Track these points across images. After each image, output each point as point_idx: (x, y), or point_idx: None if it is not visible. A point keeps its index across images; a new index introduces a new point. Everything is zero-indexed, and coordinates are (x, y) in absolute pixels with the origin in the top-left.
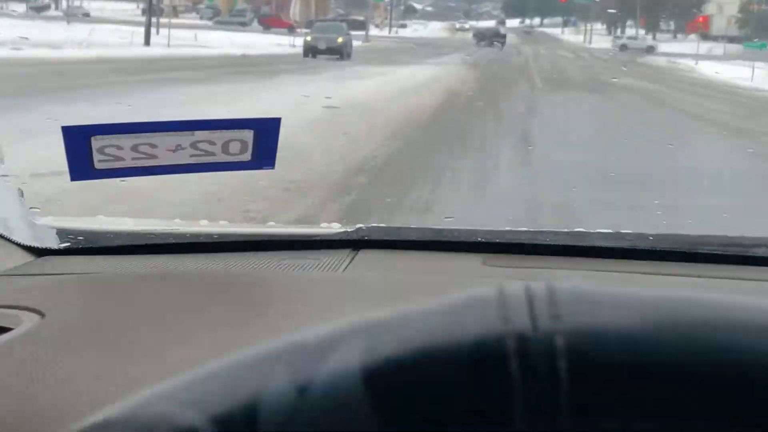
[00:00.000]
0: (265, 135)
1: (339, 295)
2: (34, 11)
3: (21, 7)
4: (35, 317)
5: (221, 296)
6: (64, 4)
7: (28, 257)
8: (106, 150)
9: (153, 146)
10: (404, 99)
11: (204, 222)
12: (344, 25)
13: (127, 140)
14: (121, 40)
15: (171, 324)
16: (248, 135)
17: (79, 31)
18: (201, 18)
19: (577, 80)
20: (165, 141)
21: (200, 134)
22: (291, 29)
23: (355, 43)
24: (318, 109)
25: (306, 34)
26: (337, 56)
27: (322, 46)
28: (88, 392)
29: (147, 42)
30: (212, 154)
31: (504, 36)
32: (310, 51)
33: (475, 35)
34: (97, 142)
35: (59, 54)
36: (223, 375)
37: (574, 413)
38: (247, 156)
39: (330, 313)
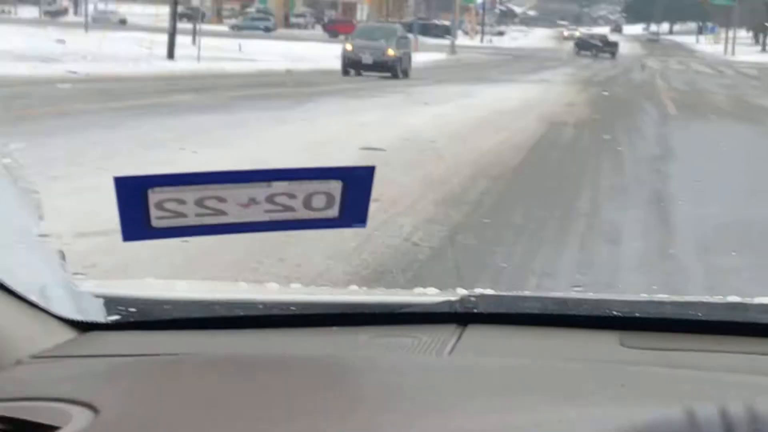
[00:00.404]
0: (355, 187)
1: (447, 387)
2: (48, 16)
3: (33, 12)
4: (88, 413)
5: (306, 385)
6: (90, 7)
7: (71, 333)
8: (166, 205)
9: (221, 200)
10: (482, 136)
11: (273, 286)
12: (399, 29)
13: (191, 193)
14: (142, 52)
15: (243, 423)
16: (336, 187)
17: (96, 40)
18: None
19: (722, 105)
20: (236, 194)
21: (278, 186)
22: None
23: (438, 56)
24: (351, 153)
25: (346, 41)
26: (388, 73)
27: (366, 58)
28: None
29: (170, 55)
30: (292, 209)
31: (614, 45)
32: (351, 65)
33: (576, 44)
34: (155, 196)
35: (43, 71)
36: None
37: None
38: (333, 212)
39: (438, 410)
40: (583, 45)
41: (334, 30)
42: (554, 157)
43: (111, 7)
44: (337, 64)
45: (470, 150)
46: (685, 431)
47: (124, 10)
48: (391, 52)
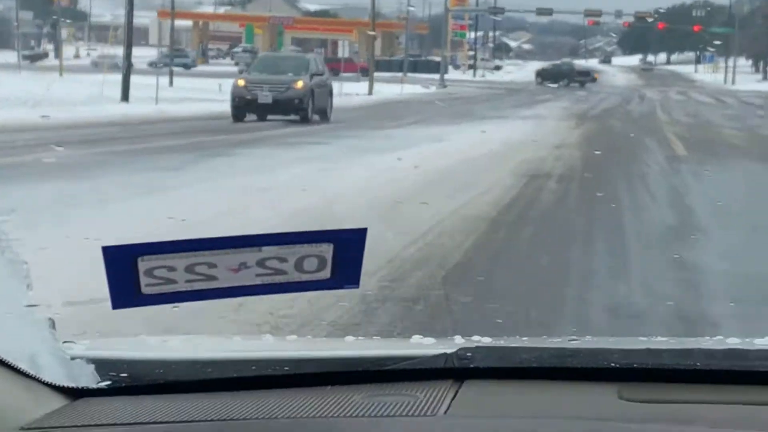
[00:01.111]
0: (347, 249)
1: None
2: (28, 60)
3: (12, 57)
4: None
5: None
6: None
7: (63, 400)
8: (156, 272)
9: (212, 266)
10: (431, 202)
11: (269, 338)
12: (313, 59)
13: (180, 260)
14: (96, 95)
15: None
16: (327, 249)
17: (63, 84)
18: (236, 64)
19: (735, 141)
20: (226, 260)
21: (269, 250)
22: (364, 71)
23: (427, 90)
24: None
25: (241, 75)
26: (295, 115)
27: (264, 96)
28: None
29: (125, 97)
30: (283, 272)
31: (586, 74)
32: (244, 106)
33: (538, 74)
34: (144, 264)
35: None
36: None
37: None
38: (325, 273)
39: None
40: (546, 75)
41: (332, 68)
42: (522, 238)
43: (112, 51)
44: None
45: (399, 232)
46: None
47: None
48: (300, 84)
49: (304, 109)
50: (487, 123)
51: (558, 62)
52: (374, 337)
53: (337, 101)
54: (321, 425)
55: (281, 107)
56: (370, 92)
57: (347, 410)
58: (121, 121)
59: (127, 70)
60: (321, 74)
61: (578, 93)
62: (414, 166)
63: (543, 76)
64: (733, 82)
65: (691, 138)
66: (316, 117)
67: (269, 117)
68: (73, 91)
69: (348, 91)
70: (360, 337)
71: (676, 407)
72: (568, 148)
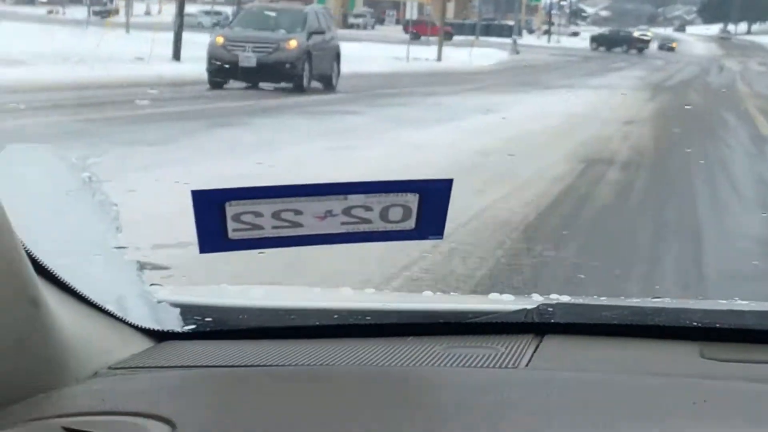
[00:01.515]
0: (432, 199)
1: (524, 403)
2: (98, 16)
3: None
4: (164, 428)
5: (381, 401)
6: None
7: (148, 342)
8: (243, 218)
9: (298, 213)
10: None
11: (349, 291)
12: (314, 12)
13: (267, 206)
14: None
15: None
16: (413, 199)
17: (123, 41)
18: None
19: None
20: (312, 207)
21: (355, 199)
22: (448, 35)
23: (499, 55)
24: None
25: (221, 31)
26: (287, 83)
27: (246, 58)
28: None
29: (176, 56)
30: (368, 221)
31: (645, 42)
32: (220, 71)
33: (593, 39)
34: (232, 209)
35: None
36: None
37: None
38: (410, 224)
39: (517, 429)
40: (602, 41)
41: (416, 32)
42: (562, 258)
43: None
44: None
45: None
46: None
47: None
48: (292, 44)
49: (297, 76)
50: (552, 93)
51: (615, 29)
52: (452, 293)
53: (401, 66)
54: (402, 373)
55: (268, 72)
56: (438, 58)
57: (428, 360)
58: (161, 81)
59: (179, 27)
60: (322, 32)
61: (655, 62)
62: (448, 145)
63: (598, 41)
64: None
65: None
66: (316, 85)
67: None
68: (126, 48)
69: (417, 56)
70: (438, 293)
71: (759, 367)
72: (639, 125)
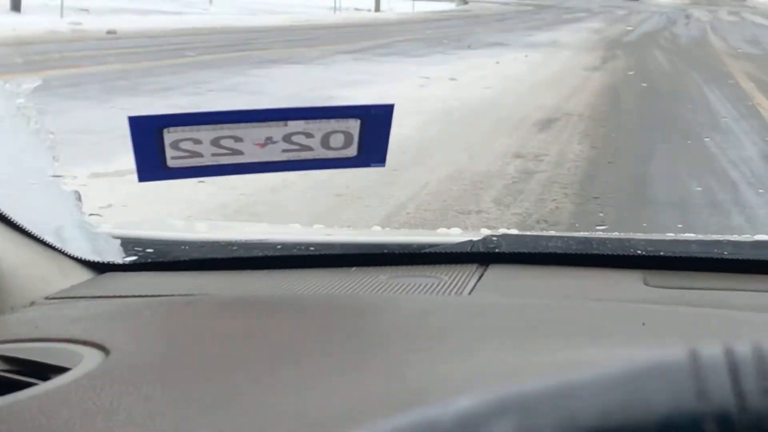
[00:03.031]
0: (374, 125)
1: (465, 327)
2: None
3: None
4: (98, 354)
5: (322, 326)
6: None
7: (88, 274)
8: (182, 145)
9: (238, 140)
10: None
11: (297, 227)
12: None
13: (206, 133)
14: None
15: (261, 364)
16: (354, 125)
17: None
18: None
19: None
20: (252, 134)
21: (295, 125)
22: None
23: (444, 6)
24: None
25: None
26: None
27: None
28: None
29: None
30: (309, 148)
31: None
32: None
33: None
34: (170, 136)
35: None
36: None
37: None
38: (352, 150)
39: (458, 352)
40: None
41: None
42: None
43: None
44: None
45: None
46: (686, 370)
47: None
48: None
49: None
50: (470, 57)
51: None
52: (401, 228)
53: (327, 17)
54: (345, 301)
55: None
56: (377, 8)
57: (371, 288)
58: None
59: None
60: None
61: (617, 12)
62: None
63: None
64: None
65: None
66: None
67: None
68: None
69: (355, 5)
70: (387, 228)
71: (702, 293)
72: (575, 115)
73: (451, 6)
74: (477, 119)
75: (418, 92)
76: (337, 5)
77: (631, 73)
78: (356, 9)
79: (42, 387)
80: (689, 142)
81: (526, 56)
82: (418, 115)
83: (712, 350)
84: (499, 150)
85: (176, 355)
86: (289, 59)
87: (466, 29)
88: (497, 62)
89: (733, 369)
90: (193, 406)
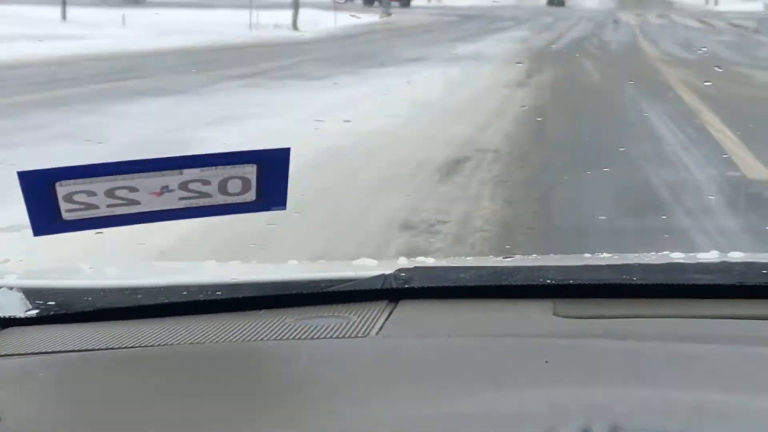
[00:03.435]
0: (271, 169)
1: (372, 371)
2: None
3: None
4: None
5: (222, 379)
6: None
7: None
8: (75, 197)
9: (133, 189)
10: None
11: (210, 263)
12: None
13: (100, 184)
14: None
15: (156, 423)
16: (250, 170)
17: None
18: None
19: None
20: (147, 183)
21: (190, 173)
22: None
23: (368, 20)
24: None
25: None
26: None
27: None
28: None
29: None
30: (207, 195)
31: None
32: None
33: None
34: (63, 189)
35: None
36: None
37: None
38: (251, 195)
39: (358, 401)
40: None
41: None
42: None
43: None
44: None
45: None
46: None
47: None
48: None
49: None
50: (382, 75)
51: None
52: (319, 261)
53: (241, 36)
54: (246, 349)
55: None
56: (294, 25)
57: (278, 333)
58: None
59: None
60: None
61: (544, 19)
62: None
63: None
64: (716, 2)
65: (708, 92)
66: None
67: None
68: None
69: (273, 22)
70: (305, 261)
71: (611, 322)
72: (490, 151)
73: (374, 19)
74: (365, 166)
75: (301, 128)
76: (256, 22)
77: (559, 89)
78: (276, 26)
79: None
80: (634, 190)
81: (443, 73)
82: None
83: (569, 431)
84: (383, 217)
85: (70, 419)
86: (165, 89)
87: (384, 44)
88: (408, 82)
89: None
90: None
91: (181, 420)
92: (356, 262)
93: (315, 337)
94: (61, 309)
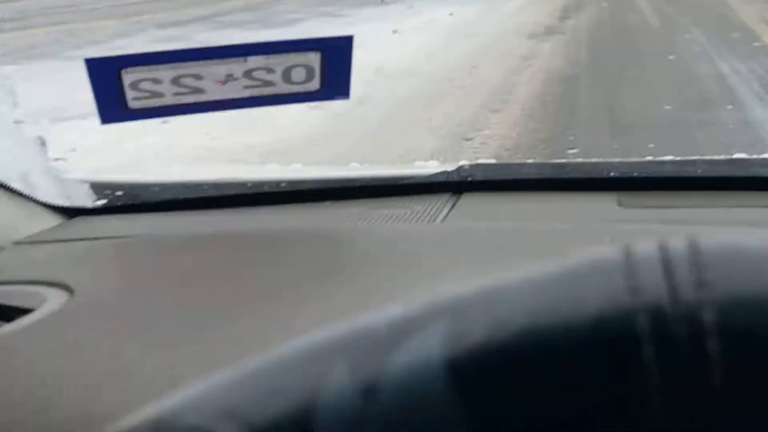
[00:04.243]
0: (335, 57)
1: (437, 252)
2: None
3: None
4: (62, 294)
5: (291, 259)
6: None
7: (57, 219)
8: (141, 85)
9: (198, 78)
10: None
11: (273, 167)
12: None
13: (165, 72)
14: None
15: (228, 298)
16: (314, 58)
17: None
18: None
19: None
20: (212, 71)
21: (255, 60)
22: None
23: None
24: None
25: None
26: None
27: None
28: (123, 387)
29: None
30: (272, 84)
31: None
32: None
33: None
34: (129, 76)
35: None
36: (269, 374)
37: (729, 414)
38: (315, 84)
39: (426, 277)
40: None
41: None
42: None
43: None
44: None
45: None
46: (619, 267)
47: None
48: None
49: None
50: (368, 19)
51: None
52: (378, 164)
53: None
54: (314, 233)
55: None
56: None
57: (342, 221)
58: None
59: None
60: None
61: None
62: None
63: None
64: None
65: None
66: None
67: None
68: None
69: None
70: (365, 164)
71: (676, 211)
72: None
73: None
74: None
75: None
76: None
77: (602, 42)
78: None
79: (5, 328)
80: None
81: (450, 15)
82: None
83: (646, 246)
84: None
85: (141, 293)
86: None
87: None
88: (395, 31)
89: (666, 263)
90: (157, 341)
91: (247, 297)
92: (419, 162)
93: (380, 223)
94: (129, 200)
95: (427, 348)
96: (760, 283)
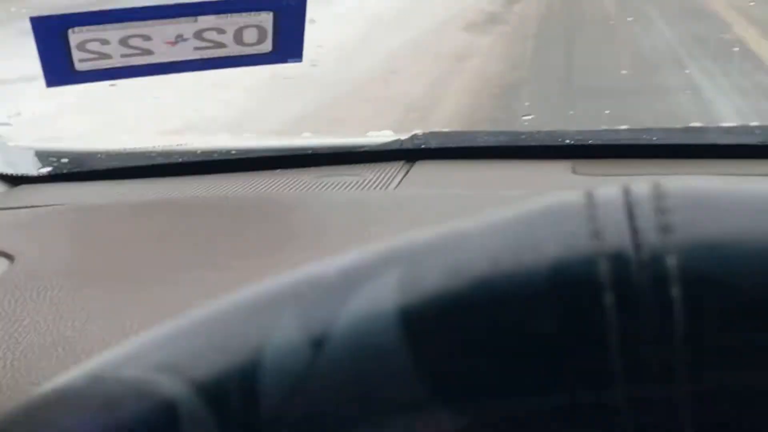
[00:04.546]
0: (288, 18)
1: (389, 219)
2: None
3: None
4: (3, 262)
5: (240, 225)
6: None
7: (1, 187)
8: (89, 46)
9: (147, 38)
10: None
11: (225, 136)
12: None
13: (114, 32)
14: None
15: (174, 265)
16: (266, 18)
17: None
18: None
19: None
20: (162, 31)
21: (205, 20)
22: None
23: None
24: None
25: None
26: None
27: None
28: (62, 355)
29: None
30: (222, 45)
31: None
32: None
33: None
34: (76, 36)
35: None
36: (213, 326)
37: (690, 361)
38: (267, 46)
39: (375, 242)
40: None
41: None
42: None
43: None
44: None
45: None
46: (580, 211)
47: None
48: None
49: None
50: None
51: None
52: (331, 133)
53: None
54: (263, 200)
55: None
56: None
57: (292, 188)
58: None
59: None
60: None
61: None
62: None
63: None
64: None
65: None
66: None
67: None
68: None
69: None
70: (318, 133)
71: (631, 179)
72: None
73: None
74: None
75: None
76: None
77: (551, 32)
78: None
79: None
80: None
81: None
82: None
83: (608, 191)
84: None
85: (84, 260)
86: None
87: None
88: (312, 20)
89: (629, 207)
90: (100, 307)
91: (194, 262)
92: (372, 132)
93: (332, 190)
94: (74, 167)
95: (381, 295)
96: (725, 228)
